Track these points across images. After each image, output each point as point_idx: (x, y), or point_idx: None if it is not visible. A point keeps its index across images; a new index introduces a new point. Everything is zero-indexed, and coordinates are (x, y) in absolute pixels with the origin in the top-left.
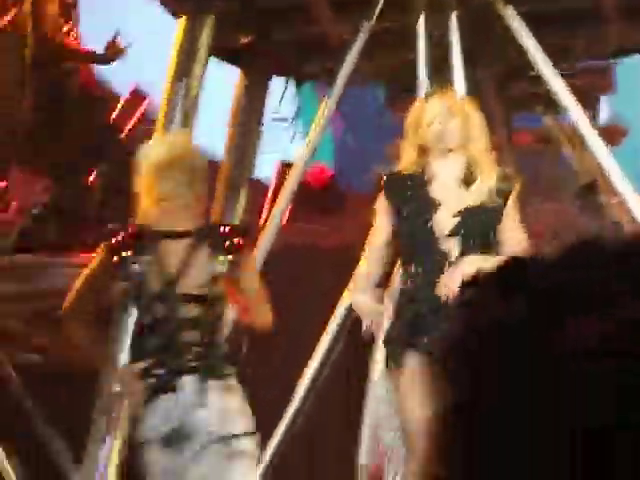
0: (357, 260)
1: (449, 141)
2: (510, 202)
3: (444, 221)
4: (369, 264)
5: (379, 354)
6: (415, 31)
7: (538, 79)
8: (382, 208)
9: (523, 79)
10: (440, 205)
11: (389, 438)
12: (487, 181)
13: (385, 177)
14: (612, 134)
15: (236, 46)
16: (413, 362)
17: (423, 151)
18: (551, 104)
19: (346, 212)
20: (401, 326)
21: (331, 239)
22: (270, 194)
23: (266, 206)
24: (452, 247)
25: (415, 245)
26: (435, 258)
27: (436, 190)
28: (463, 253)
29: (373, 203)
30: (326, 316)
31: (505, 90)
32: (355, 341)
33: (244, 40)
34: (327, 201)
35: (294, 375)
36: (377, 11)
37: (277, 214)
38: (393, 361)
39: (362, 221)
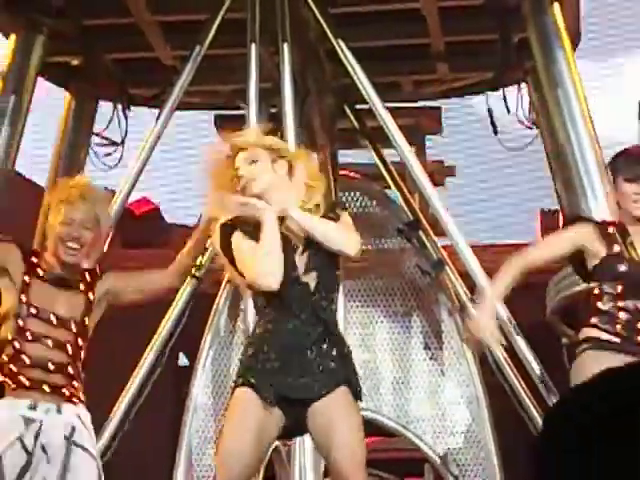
0: (176, 292)
1: (255, 189)
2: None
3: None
4: None
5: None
6: (247, 59)
7: (366, 114)
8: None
9: (351, 114)
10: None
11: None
12: (316, 213)
13: (220, 227)
14: (438, 173)
15: (65, 68)
16: (248, 396)
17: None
18: (378, 141)
19: (171, 245)
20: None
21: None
22: None
23: None
24: (310, 281)
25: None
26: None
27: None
28: (318, 285)
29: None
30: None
31: (332, 124)
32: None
33: (73, 62)
34: (150, 232)
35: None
36: (210, 36)
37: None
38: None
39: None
